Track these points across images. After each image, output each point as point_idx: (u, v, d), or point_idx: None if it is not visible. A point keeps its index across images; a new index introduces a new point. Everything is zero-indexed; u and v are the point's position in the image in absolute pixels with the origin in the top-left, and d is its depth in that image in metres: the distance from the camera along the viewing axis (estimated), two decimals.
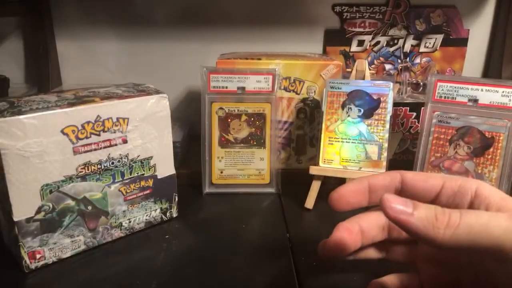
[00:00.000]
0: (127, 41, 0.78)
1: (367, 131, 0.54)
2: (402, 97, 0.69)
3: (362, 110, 0.54)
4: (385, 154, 0.53)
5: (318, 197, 0.55)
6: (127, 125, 0.45)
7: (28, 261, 0.41)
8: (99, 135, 0.43)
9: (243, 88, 0.58)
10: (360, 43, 0.78)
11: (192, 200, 0.57)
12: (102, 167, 0.44)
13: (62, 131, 0.40)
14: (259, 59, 0.61)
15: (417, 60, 0.79)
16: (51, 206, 0.41)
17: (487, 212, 0.24)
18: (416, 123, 0.64)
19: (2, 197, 0.40)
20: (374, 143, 0.54)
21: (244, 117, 0.59)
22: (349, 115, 0.54)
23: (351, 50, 0.79)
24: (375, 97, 0.54)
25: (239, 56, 0.64)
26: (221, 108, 0.58)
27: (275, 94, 0.58)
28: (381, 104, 0.54)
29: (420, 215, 0.23)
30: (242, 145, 0.59)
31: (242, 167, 0.60)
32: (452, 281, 0.30)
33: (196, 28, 0.78)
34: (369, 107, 0.54)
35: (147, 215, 0.50)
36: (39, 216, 0.41)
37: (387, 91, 0.54)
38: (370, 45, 0.78)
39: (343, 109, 0.55)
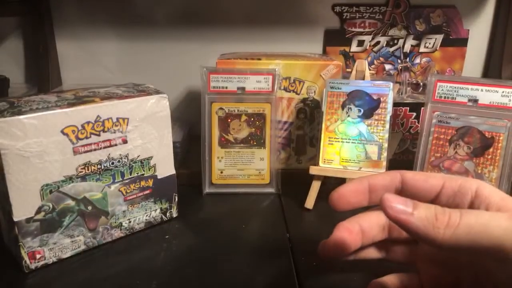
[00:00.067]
0: (127, 41, 0.78)
1: (367, 131, 0.54)
2: (402, 97, 0.69)
3: (362, 110, 0.54)
4: (385, 154, 0.53)
5: (318, 197, 0.55)
6: (127, 125, 0.45)
7: (28, 261, 0.41)
8: (99, 135, 0.43)
9: (243, 88, 0.58)
10: (360, 43, 0.78)
11: (192, 200, 0.57)
12: (102, 167, 0.44)
13: (62, 131, 0.40)
14: (259, 59, 0.61)
15: (417, 60, 0.79)
16: (51, 206, 0.41)
17: (487, 212, 0.24)
18: (416, 123, 0.64)
19: (2, 197, 0.40)
20: (374, 143, 0.54)
21: (244, 117, 0.59)
22: (349, 115, 0.54)
23: (351, 50, 0.79)
24: (375, 97, 0.54)
25: (239, 56, 0.64)
26: (221, 108, 0.58)
27: (275, 94, 0.58)
28: (381, 104, 0.54)
29: (420, 215, 0.23)
30: (242, 145, 0.59)
31: (242, 167, 0.60)
32: (452, 281, 0.30)
33: (196, 28, 0.78)
34: (369, 107, 0.54)
35: (147, 215, 0.50)
36: (39, 216, 0.41)
37: (387, 91, 0.54)
38: (370, 45, 0.78)
39: (343, 109, 0.55)
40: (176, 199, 0.52)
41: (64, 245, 0.43)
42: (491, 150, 0.50)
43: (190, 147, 0.72)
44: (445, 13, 0.77)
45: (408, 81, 0.73)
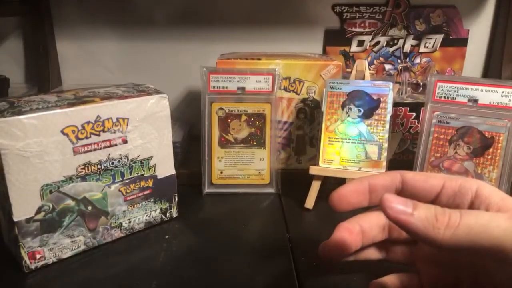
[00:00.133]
0: (127, 41, 0.78)
1: (367, 131, 0.54)
2: (402, 97, 0.69)
3: (362, 110, 0.54)
4: (385, 154, 0.53)
5: (318, 197, 0.55)
6: (127, 125, 0.45)
7: (28, 261, 0.41)
8: (99, 135, 0.43)
9: (243, 88, 0.58)
10: (360, 43, 0.78)
11: (192, 200, 0.57)
12: (102, 167, 0.44)
13: (62, 131, 0.40)
14: (259, 59, 0.61)
15: (417, 60, 0.79)
16: (51, 206, 0.41)
17: (487, 213, 0.24)
18: (416, 123, 0.64)
19: (2, 197, 0.40)
20: (374, 143, 0.54)
21: (244, 117, 0.59)
22: (349, 115, 0.54)
23: (351, 50, 0.79)
24: (375, 97, 0.54)
25: (239, 56, 0.64)
26: (221, 108, 0.58)
27: (275, 94, 0.58)
28: (381, 104, 0.54)
29: (420, 215, 0.23)
30: (242, 145, 0.59)
31: (242, 167, 0.60)
32: (452, 281, 0.30)
33: (196, 28, 0.78)
34: (369, 107, 0.54)
35: (147, 215, 0.50)
36: (39, 216, 0.41)
37: (387, 91, 0.54)
38: (370, 45, 0.78)
39: (343, 109, 0.55)
40: (176, 199, 0.52)
41: (64, 245, 0.43)
42: (491, 150, 0.50)
43: (190, 147, 0.72)
44: (445, 13, 0.77)
45: (408, 81, 0.73)
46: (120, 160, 0.45)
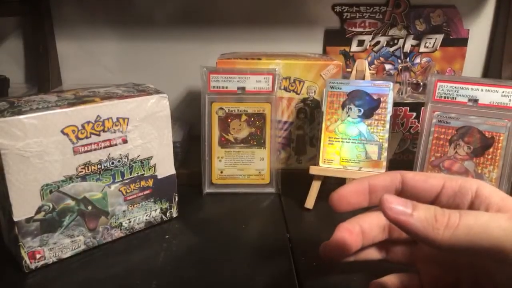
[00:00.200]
0: (127, 41, 0.78)
1: (367, 131, 0.54)
2: (402, 97, 0.69)
3: (362, 110, 0.54)
4: (385, 154, 0.53)
5: (318, 197, 0.55)
6: (127, 125, 0.45)
7: (28, 261, 0.41)
8: (99, 135, 0.43)
9: (243, 88, 0.58)
10: (360, 43, 0.78)
11: (192, 200, 0.57)
12: (102, 167, 0.44)
13: (62, 131, 0.40)
14: (259, 59, 0.61)
15: (417, 60, 0.79)
16: (51, 206, 0.41)
17: (487, 213, 0.24)
18: (416, 123, 0.64)
19: (2, 197, 0.40)
20: (374, 143, 0.54)
21: (244, 117, 0.59)
22: (349, 115, 0.54)
23: (351, 50, 0.79)
24: (375, 97, 0.54)
25: (239, 56, 0.64)
26: (221, 108, 0.58)
27: (275, 94, 0.58)
28: (381, 104, 0.54)
29: (419, 216, 0.23)
30: (242, 145, 0.59)
31: (242, 167, 0.60)
32: (452, 281, 0.30)
33: (196, 28, 0.78)
34: (369, 107, 0.54)
35: (147, 215, 0.50)
36: (39, 216, 0.41)
37: (387, 91, 0.54)
38: (370, 45, 0.78)
39: (343, 109, 0.55)
40: (176, 199, 0.52)
41: (64, 245, 0.43)
42: (491, 150, 0.50)
43: (190, 147, 0.72)
44: (445, 13, 0.77)
45: (408, 81, 0.73)
46: (120, 160, 0.45)
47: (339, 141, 0.54)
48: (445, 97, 0.52)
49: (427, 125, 0.53)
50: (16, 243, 0.40)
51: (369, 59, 0.79)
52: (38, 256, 0.42)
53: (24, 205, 0.39)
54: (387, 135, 0.53)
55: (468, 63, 0.80)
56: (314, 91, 0.62)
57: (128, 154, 0.46)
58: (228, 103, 0.58)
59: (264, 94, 0.58)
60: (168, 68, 0.80)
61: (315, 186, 0.55)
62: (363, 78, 0.56)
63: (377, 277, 0.33)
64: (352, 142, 0.54)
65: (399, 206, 0.24)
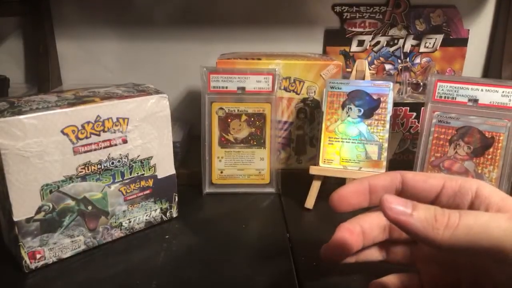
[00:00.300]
0: (127, 41, 0.78)
1: (367, 131, 0.54)
2: (402, 97, 0.69)
3: (362, 110, 0.54)
4: (385, 154, 0.53)
5: (318, 197, 0.55)
6: (127, 125, 0.45)
7: (28, 261, 0.41)
8: (99, 135, 0.43)
9: (243, 88, 0.58)
10: (360, 43, 0.78)
11: (192, 200, 0.57)
12: (102, 167, 0.44)
13: (62, 131, 0.40)
14: (259, 59, 0.61)
15: (417, 60, 0.79)
16: (51, 206, 0.41)
17: (487, 213, 0.24)
18: (416, 123, 0.64)
19: (2, 197, 0.40)
20: (374, 143, 0.54)
21: (244, 117, 0.59)
22: (349, 115, 0.54)
23: (351, 50, 0.79)
24: (375, 97, 0.54)
25: (239, 56, 0.64)
26: (221, 108, 0.58)
27: (275, 94, 0.58)
28: (381, 104, 0.54)
29: (419, 216, 0.23)
30: (242, 145, 0.59)
31: (242, 167, 0.60)
32: (452, 281, 0.30)
33: (196, 28, 0.78)
34: (369, 107, 0.54)
35: (147, 215, 0.50)
36: (39, 216, 0.41)
37: (387, 91, 0.54)
38: (370, 45, 0.78)
39: (343, 109, 0.55)
40: (176, 199, 0.52)
41: (64, 245, 0.43)
42: (491, 150, 0.50)
43: (190, 147, 0.72)
44: (445, 13, 0.77)
45: (408, 81, 0.73)
46: (120, 160, 0.45)
47: (339, 141, 0.54)
48: (445, 97, 0.52)
49: (427, 125, 0.53)
50: (16, 243, 0.40)
51: (369, 59, 0.79)
52: (38, 256, 0.42)
53: (24, 205, 0.39)
54: (387, 135, 0.53)
55: (468, 63, 0.80)
56: (314, 91, 0.62)
57: (128, 154, 0.46)
58: (228, 103, 0.58)
59: (264, 94, 0.58)
60: (168, 68, 0.80)
61: (315, 186, 0.55)
62: (363, 78, 0.56)
63: (377, 277, 0.33)
64: (352, 142, 0.54)
65: (399, 206, 0.24)
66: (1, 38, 0.78)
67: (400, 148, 0.66)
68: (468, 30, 0.78)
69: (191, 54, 0.79)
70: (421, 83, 0.73)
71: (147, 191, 0.49)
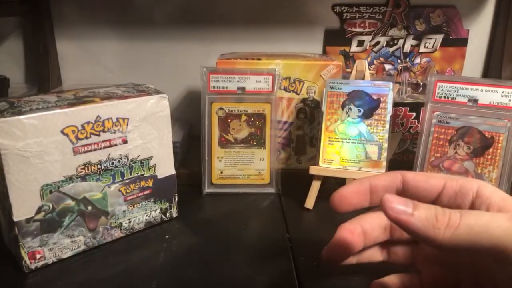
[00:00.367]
0: (127, 41, 0.78)
1: (367, 131, 0.54)
2: (402, 97, 0.69)
3: (362, 110, 0.54)
4: (385, 154, 0.53)
5: (318, 197, 0.55)
6: (127, 125, 0.45)
7: (28, 261, 0.41)
8: (99, 135, 0.43)
9: (243, 88, 0.58)
10: (360, 43, 0.78)
11: (192, 200, 0.57)
12: (102, 167, 0.44)
13: (62, 131, 0.40)
14: (259, 59, 0.61)
15: (417, 60, 0.79)
16: (51, 206, 0.41)
17: (488, 213, 0.24)
18: (416, 123, 0.64)
19: (2, 197, 0.40)
20: (374, 143, 0.54)
21: (244, 117, 0.59)
22: (349, 115, 0.54)
23: (351, 50, 0.79)
24: (375, 97, 0.54)
25: (239, 56, 0.64)
26: (221, 108, 0.58)
27: (275, 94, 0.58)
28: (381, 104, 0.54)
29: (420, 215, 0.23)
30: (242, 145, 0.59)
31: (242, 167, 0.60)
32: (453, 282, 0.30)
33: (196, 28, 0.78)
34: (369, 107, 0.54)
35: (147, 215, 0.49)
36: (39, 216, 0.41)
37: (387, 91, 0.54)
38: (370, 45, 0.78)
39: (343, 109, 0.55)
40: (176, 199, 0.52)
41: (64, 245, 0.43)
42: (491, 150, 0.50)
43: (190, 147, 0.72)
44: (445, 13, 0.77)
45: (408, 81, 0.73)
46: (120, 160, 0.45)
47: (339, 141, 0.55)
48: (445, 97, 0.52)
49: (427, 125, 0.53)
50: (16, 243, 0.40)
51: (369, 59, 0.79)
52: (38, 256, 0.41)
53: (24, 205, 0.39)
54: (387, 135, 0.53)
55: (468, 63, 0.80)
56: (314, 91, 0.62)
57: (128, 154, 0.46)
58: (228, 103, 0.58)
59: (264, 94, 0.58)
60: (168, 68, 0.80)
61: (315, 186, 0.55)
62: (363, 78, 0.56)
63: (377, 277, 0.33)
64: (352, 142, 0.54)
65: (400, 206, 0.24)
66: (1, 38, 0.78)
67: (400, 148, 0.66)
68: (468, 30, 0.78)
69: (191, 54, 0.79)
70: (421, 83, 0.73)
71: (147, 191, 0.49)
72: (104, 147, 0.44)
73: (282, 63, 0.60)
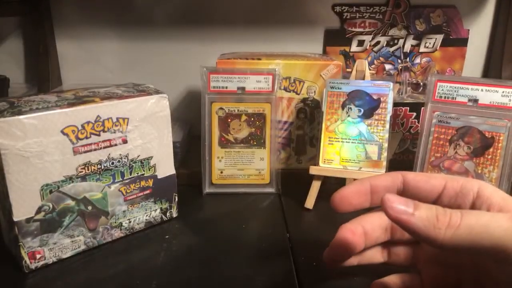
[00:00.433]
0: (127, 41, 0.78)
1: (367, 131, 0.54)
2: (402, 97, 0.69)
3: (362, 110, 0.54)
4: (385, 154, 0.53)
5: (318, 197, 0.55)
6: (127, 125, 0.45)
7: (28, 261, 0.41)
8: (99, 135, 0.43)
9: (243, 88, 0.58)
10: (360, 43, 0.78)
11: (192, 200, 0.57)
12: (102, 167, 0.44)
13: (62, 131, 0.40)
14: (259, 59, 0.61)
15: (417, 60, 0.79)
16: (51, 206, 0.41)
17: (488, 213, 0.24)
18: (416, 123, 0.64)
19: (2, 197, 0.40)
20: (374, 143, 0.54)
21: (244, 117, 0.59)
22: (349, 115, 0.54)
23: (351, 50, 0.79)
24: (375, 97, 0.54)
25: (239, 56, 0.64)
26: (221, 108, 0.58)
27: (275, 94, 0.58)
28: (381, 104, 0.54)
29: (421, 215, 0.23)
30: (242, 145, 0.59)
31: (242, 167, 0.60)
32: (454, 282, 0.30)
33: (196, 28, 0.78)
34: (369, 107, 0.54)
35: (147, 215, 0.49)
36: (39, 216, 0.41)
37: (387, 91, 0.54)
38: (370, 45, 0.78)
39: (343, 109, 0.55)
40: (176, 199, 0.52)
41: (64, 245, 0.43)
42: (491, 150, 0.50)
43: (190, 147, 0.72)
44: (445, 13, 0.77)
45: (408, 81, 0.73)
46: (120, 160, 0.45)
47: (339, 141, 0.54)
48: (445, 97, 0.52)
49: (427, 125, 0.53)
50: (16, 243, 0.40)
51: (369, 59, 0.79)
52: (38, 256, 0.41)
53: (24, 205, 0.39)
54: (387, 135, 0.53)
55: (468, 63, 0.80)
56: (314, 91, 0.62)
57: (128, 154, 0.46)
58: (228, 103, 0.58)
59: (264, 94, 0.58)
60: (168, 68, 0.80)
61: (315, 186, 0.55)
62: (363, 78, 0.56)
63: (377, 277, 0.33)
64: (352, 142, 0.54)
65: (400, 206, 0.24)
66: (1, 38, 0.78)
67: (400, 148, 0.66)
68: (468, 30, 0.78)
69: (191, 54, 0.79)
70: (421, 83, 0.73)
71: (147, 191, 0.49)
72: (104, 147, 0.43)
73: (282, 63, 0.60)
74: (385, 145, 0.53)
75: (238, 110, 0.58)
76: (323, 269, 0.42)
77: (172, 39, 0.78)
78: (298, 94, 0.62)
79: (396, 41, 0.78)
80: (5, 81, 0.72)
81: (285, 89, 0.62)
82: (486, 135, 0.50)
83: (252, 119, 0.59)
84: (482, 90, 0.50)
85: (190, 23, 0.77)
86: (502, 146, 0.50)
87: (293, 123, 0.64)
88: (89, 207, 0.44)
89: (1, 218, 0.43)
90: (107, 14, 0.77)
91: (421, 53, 0.79)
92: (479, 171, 0.51)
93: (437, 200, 0.28)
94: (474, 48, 0.80)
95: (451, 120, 0.52)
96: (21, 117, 0.37)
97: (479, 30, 0.79)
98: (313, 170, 0.54)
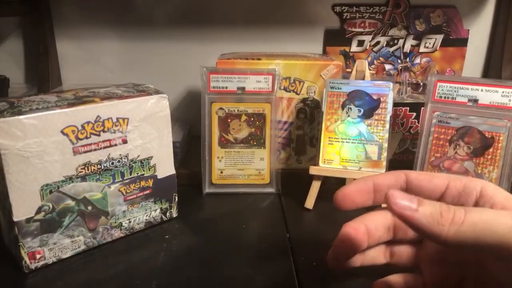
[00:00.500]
0: (127, 41, 0.78)
1: (367, 131, 0.54)
2: (402, 97, 0.69)
3: (362, 110, 0.54)
4: (385, 154, 0.53)
5: (318, 197, 0.55)
6: (127, 125, 0.45)
7: (28, 261, 0.41)
8: (99, 135, 0.43)
9: (243, 88, 0.58)
10: (360, 43, 0.78)
11: (192, 200, 0.57)
12: (102, 167, 0.44)
13: (62, 131, 0.40)
14: (259, 59, 0.61)
15: (417, 60, 0.79)
16: (51, 206, 0.41)
17: (492, 210, 0.24)
18: (416, 123, 0.64)
19: (2, 197, 0.40)
20: (374, 143, 0.54)
21: (244, 117, 0.59)
22: (349, 115, 0.54)
23: (351, 50, 0.79)
24: (375, 97, 0.54)
25: (239, 56, 0.64)
26: (221, 108, 0.58)
27: (275, 94, 0.58)
28: (381, 104, 0.54)
29: (424, 211, 0.23)
30: (242, 145, 0.59)
31: (242, 167, 0.60)
32: (456, 281, 0.30)
33: (196, 28, 0.78)
34: (369, 107, 0.54)
35: (147, 215, 0.49)
36: (39, 216, 0.41)
37: (387, 91, 0.54)
38: (370, 45, 0.78)
39: (343, 109, 0.55)
40: (176, 199, 0.52)
41: (64, 245, 0.43)
42: (491, 150, 0.50)
43: (190, 147, 0.72)
44: (445, 13, 0.77)
45: (408, 81, 0.73)
46: (120, 160, 0.45)
47: (339, 141, 0.54)
48: (445, 97, 0.52)
49: (427, 125, 0.53)
50: (16, 243, 0.40)
51: (369, 59, 0.79)
52: (38, 256, 0.41)
53: (24, 205, 0.39)
54: (387, 135, 0.53)
55: (468, 63, 0.80)
56: (314, 91, 0.62)
57: (128, 154, 0.46)
58: (228, 103, 0.58)
59: (264, 94, 0.58)
60: (168, 68, 0.80)
61: (315, 186, 0.55)
62: (363, 78, 0.56)
63: (378, 277, 0.32)
64: (352, 142, 0.54)
65: (404, 201, 0.24)
66: (1, 38, 0.78)
67: (400, 148, 0.66)
68: (468, 30, 0.78)
69: (191, 54, 0.79)
70: (421, 83, 0.73)
71: (147, 191, 0.49)
72: (104, 147, 0.43)
73: (282, 63, 0.60)
74: (385, 145, 0.53)
75: (238, 110, 0.58)
76: (323, 269, 0.42)
77: (172, 39, 0.78)
78: (298, 94, 0.62)
79: (396, 41, 0.78)
80: (5, 81, 0.72)
81: (285, 89, 0.62)
82: (486, 135, 0.50)
83: (252, 119, 0.59)
84: (482, 90, 0.50)
85: (190, 23, 0.77)
86: (502, 146, 0.50)
87: (293, 123, 0.63)
88: (89, 207, 0.44)
89: (1, 218, 0.43)
90: (107, 14, 0.77)
91: (421, 53, 0.79)
92: (479, 171, 0.51)
93: (440, 199, 0.28)
94: (474, 48, 0.80)
95: (451, 120, 0.52)
96: (21, 117, 0.37)
97: (479, 30, 0.79)
98: (313, 170, 0.54)
